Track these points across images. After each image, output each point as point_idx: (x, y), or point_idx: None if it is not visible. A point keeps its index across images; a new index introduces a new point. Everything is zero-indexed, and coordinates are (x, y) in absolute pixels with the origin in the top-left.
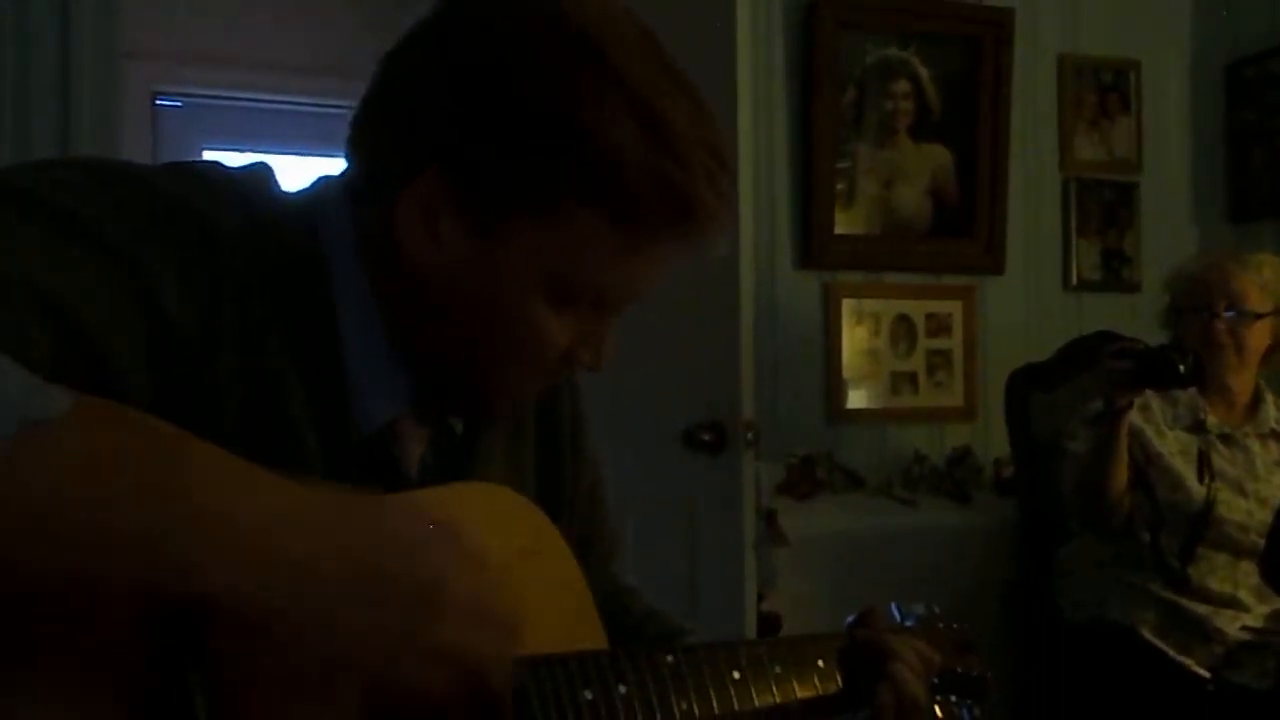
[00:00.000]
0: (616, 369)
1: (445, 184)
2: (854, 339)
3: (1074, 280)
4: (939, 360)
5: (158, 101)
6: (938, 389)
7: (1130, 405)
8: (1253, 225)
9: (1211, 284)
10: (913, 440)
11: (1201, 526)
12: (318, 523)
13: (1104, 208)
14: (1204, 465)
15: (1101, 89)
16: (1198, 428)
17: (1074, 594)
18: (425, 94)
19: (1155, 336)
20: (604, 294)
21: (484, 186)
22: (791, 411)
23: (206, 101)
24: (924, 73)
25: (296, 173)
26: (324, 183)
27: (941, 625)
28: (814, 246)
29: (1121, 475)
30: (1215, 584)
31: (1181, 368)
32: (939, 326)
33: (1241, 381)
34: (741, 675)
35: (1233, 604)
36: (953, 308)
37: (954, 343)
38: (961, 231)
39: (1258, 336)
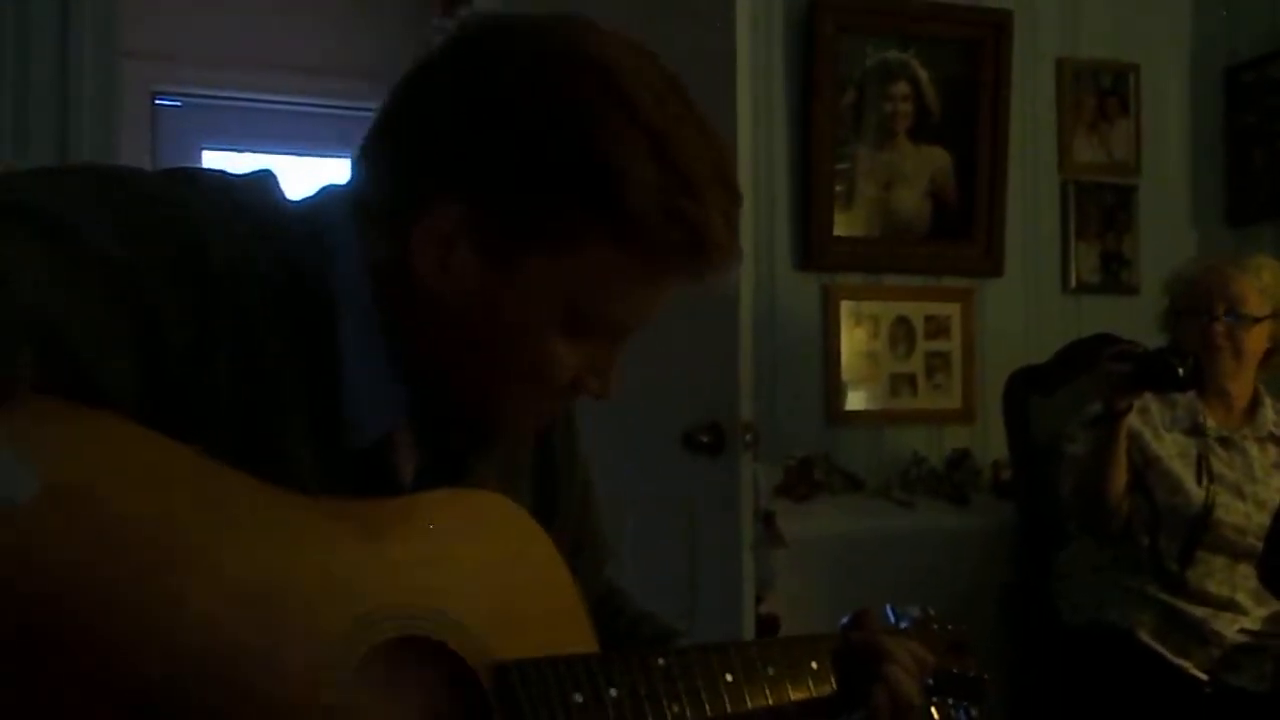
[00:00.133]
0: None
1: (462, 214)
2: (853, 341)
3: (1073, 283)
4: (938, 362)
5: (157, 101)
6: (936, 391)
7: (1129, 408)
8: (1251, 228)
9: (1210, 287)
10: (911, 442)
11: (1200, 529)
12: None
13: (1103, 210)
14: (1202, 468)
15: (1100, 92)
16: (1196, 431)
17: (1072, 597)
18: (445, 123)
19: (1154, 339)
20: (617, 324)
21: (502, 218)
22: (790, 413)
23: (206, 101)
24: (923, 75)
25: (296, 173)
26: (328, 192)
27: (936, 626)
28: (813, 248)
29: (1120, 478)
30: (1213, 587)
31: (1180, 371)
32: (938, 329)
33: (1240, 385)
34: (734, 678)
35: (1231, 607)
36: (952, 310)
37: (953, 345)
38: (960, 234)
39: (1256, 340)
